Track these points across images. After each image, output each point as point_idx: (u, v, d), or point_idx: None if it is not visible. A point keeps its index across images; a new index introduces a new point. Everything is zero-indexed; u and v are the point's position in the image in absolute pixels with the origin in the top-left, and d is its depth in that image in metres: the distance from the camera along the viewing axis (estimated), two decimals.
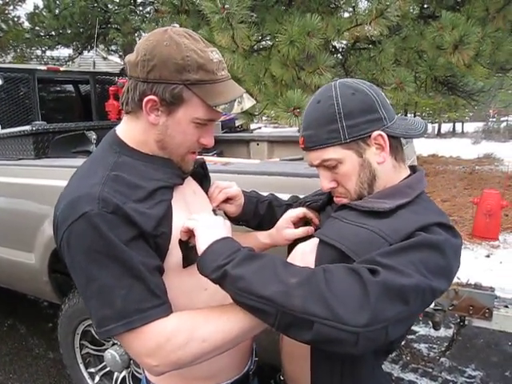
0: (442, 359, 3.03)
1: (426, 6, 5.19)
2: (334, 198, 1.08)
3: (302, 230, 1.19)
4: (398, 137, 1.00)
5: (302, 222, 1.23)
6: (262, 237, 1.27)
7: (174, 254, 0.97)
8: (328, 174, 1.03)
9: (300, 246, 1.05)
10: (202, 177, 1.24)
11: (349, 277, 0.80)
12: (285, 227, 1.22)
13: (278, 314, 0.80)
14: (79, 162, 2.38)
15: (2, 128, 3.40)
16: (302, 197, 1.38)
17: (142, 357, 0.88)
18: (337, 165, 1.00)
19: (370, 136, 0.97)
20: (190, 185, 1.14)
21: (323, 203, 1.19)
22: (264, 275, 0.82)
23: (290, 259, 1.04)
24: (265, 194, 1.39)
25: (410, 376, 2.91)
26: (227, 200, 1.24)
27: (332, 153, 0.99)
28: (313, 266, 0.94)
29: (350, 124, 0.96)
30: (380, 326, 0.78)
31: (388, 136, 0.98)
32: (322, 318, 0.77)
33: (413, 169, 1.09)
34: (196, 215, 0.96)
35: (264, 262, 0.84)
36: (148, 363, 0.88)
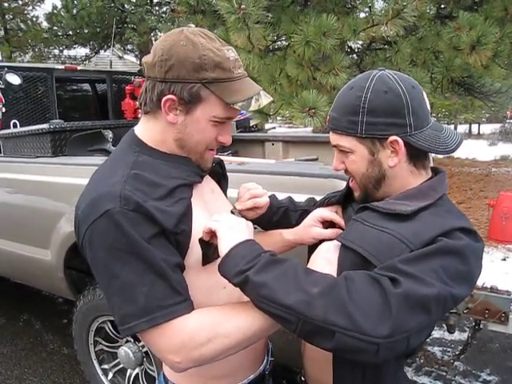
0: (457, 363, 3.00)
1: (443, 6, 5.13)
2: (350, 183, 1.10)
3: (330, 232, 1.17)
4: (419, 147, 0.97)
5: (329, 222, 1.22)
6: (288, 234, 1.26)
7: (194, 251, 0.97)
8: (340, 156, 1.05)
9: (325, 244, 1.06)
10: (220, 176, 1.25)
11: (370, 287, 0.80)
12: (312, 225, 1.21)
13: (299, 323, 0.80)
14: (96, 160, 2.43)
15: (20, 126, 3.46)
16: (318, 199, 1.37)
17: (164, 353, 0.89)
18: (348, 153, 1.02)
19: (386, 139, 0.97)
20: (208, 183, 1.15)
21: (341, 196, 1.19)
22: (286, 283, 0.82)
23: (314, 256, 1.06)
24: (279, 194, 1.38)
25: (424, 379, 2.88)
26: (253, 208, 1.22)
27: (346, 141, 1.00)
28: (335, 265, 0.96)
29: (370, 121, 0.96)
30: (401, 337, 0.78)
31: (408, 143, 0.96)
32: (343, 328, 0.77)
33: (435, 170, 1.07)
34: (218, 216, 0.96)
35: (286, 268, 0.84)
36: (171, 360, 0.89)
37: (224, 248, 0.89)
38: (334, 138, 1.04)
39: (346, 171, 1.06)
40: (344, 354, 0.82)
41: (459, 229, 0.90)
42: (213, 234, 0.93)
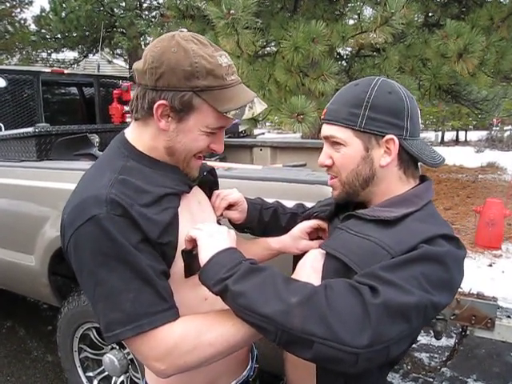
0: (443, 369, 3.01)
1: (430, 14, 5.20)
2: (328, 181, 1.08)
3: (316, 244, 1.18)
4: (410, 154, 0.99)
5: (316, 233, 1.23)
6: (273, 242, 1.26)
7: (179, 263, 0.96)
8: (330, 150, 1.03)
9: (312, 252, 1.05)
10: (213, 183, 1.24)
11: (350, 296, 0.80)
12: (299, 237, 1.21)
13: (278, 332, 0.79)
14: (81, 164, 2.40)
15: (5, 129, 3.41)
16: (306, 204, 1.37)
17: (149, 360, 0.88)
18: (341, 145, 1.00)
19: (383, 137, 0.97)
20: (196, 194, 1.13)
21: (330, 213, 1.18)
22: (265, 292, 0.81)
23: (300, 263, 1.05)
24: (267, 199, 1.38)
25: None
26: (230, 206, 1.23)
27: (342, 133, 0.99)
28: (320, 273, 0.96)
29: (371, 116, 0.96)
30: (381, 347, 0.78)
31: (401, 147, 0.97)
32: (321, 338, 0.76)
33: (422, 178, 1.07)
34: (200, 224, 0.96)
35: (265, 277, 0.83)
36: (156, 367, 0.88)
37: (204, 256, 0.88)
38: (328, 129, 1.02)
39: (331, 168, 1.04)
40: (323, 363, 0.81)
41: (441, 236, 0.89)
42: (195, 242, 0.92)
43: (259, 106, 0.98)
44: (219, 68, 0.92)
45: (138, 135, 1.01)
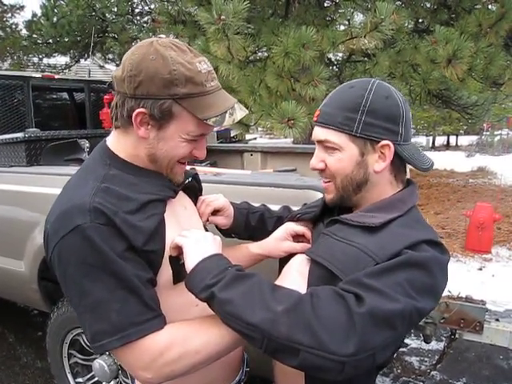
0: (433, 372, 3.02)
1: (420, 20, 5.26)
2: (322, 184, 1.07)
3: (301, 246, 1.17)
4: (403, 158, 0.99)
5: (299, 237, 1.22)
6: (254, 247, 1.24)
7: (166, 270, 0.96)
8: (323, 154, 1.01)
9: (297, 257, 1.05)
10: (197, 190, 1.23)
11: (335, 304, 0.80)
12: (284, 238, 1.19)
13: (264, 340, 0.80)
14: (71, 170, 2.39)
15: None
16: (293, 208, 1.37)
17: (136, 370, 0.88)
18: (336, 150, 0.98)
19: (378, 142, 0.96)
20: (181, 199, 1.12)
21: (315, 215, 1.17)
22: (251, 300, 0.81)
23: (286, 268, 1.05)
24: (255, 204, 1.38)
25: None
26: (216, 212, 1.22)
27: (337, 137, 0.97)
28: (306, 278, 0.96)
29: (367, 121, 0.95)
30: (367, 355, 0.78)
31: (395, 152, 0.97)
32: (307, 346, 0.77)
33: (406, 181, 1.07)
34: (186, 231, 0.95)
35: (252, 284, 0.83)
36: (142, 376, 0.88)
37: (190, 263, 0.88)
38: (322, 133, 0.99)
39: (324, 171, 1.03)
40: (310, 371, 0.82)
41: (425, 241, 0.90)
42: (180, 249, 0.92)
43: (240, 113, 0.98)
44: (198, 75, 0.91)
45: (118, 143, 1.00)
